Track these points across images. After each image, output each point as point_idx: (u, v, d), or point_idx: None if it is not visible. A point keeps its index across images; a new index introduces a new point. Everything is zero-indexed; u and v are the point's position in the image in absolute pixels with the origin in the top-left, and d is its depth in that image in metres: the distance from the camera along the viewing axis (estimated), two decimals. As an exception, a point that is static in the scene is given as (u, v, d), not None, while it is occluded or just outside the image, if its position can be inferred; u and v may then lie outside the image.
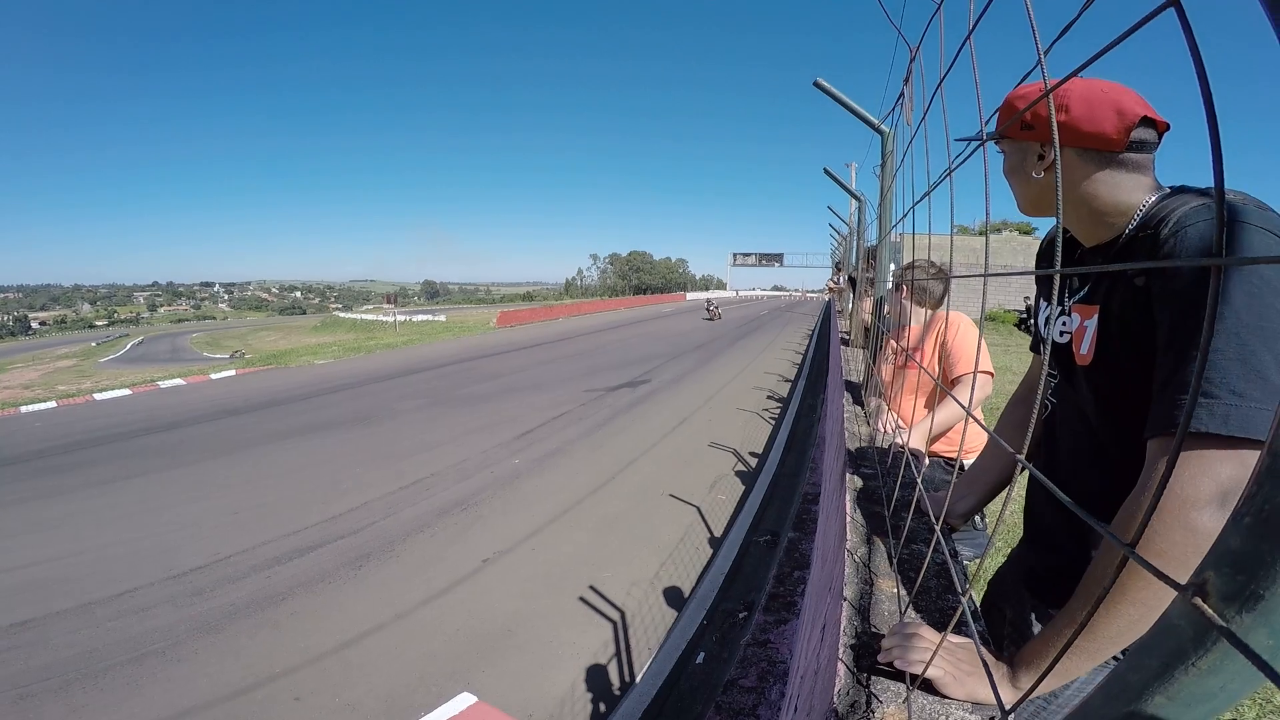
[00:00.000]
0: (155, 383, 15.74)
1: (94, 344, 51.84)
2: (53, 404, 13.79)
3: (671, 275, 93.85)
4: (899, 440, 1.79)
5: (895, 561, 0.90)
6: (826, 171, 6.54)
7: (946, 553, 0.75)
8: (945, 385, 2.31)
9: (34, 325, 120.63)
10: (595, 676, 3.20)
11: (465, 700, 3.04)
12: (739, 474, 6.17)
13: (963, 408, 0.71)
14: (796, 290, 73.23)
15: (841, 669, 0.76)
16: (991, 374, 2.20)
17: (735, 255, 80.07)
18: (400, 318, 34.69)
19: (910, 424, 1.99)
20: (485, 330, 26.78)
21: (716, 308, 31.33)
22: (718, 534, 4.81)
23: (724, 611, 3.71)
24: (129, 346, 44.90)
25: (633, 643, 3.47)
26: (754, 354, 15.60)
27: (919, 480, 0.91)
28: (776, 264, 79.24)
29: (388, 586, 4.19)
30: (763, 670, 3.07)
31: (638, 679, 3.16)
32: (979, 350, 0.85)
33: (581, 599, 3.93)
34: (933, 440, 2.06)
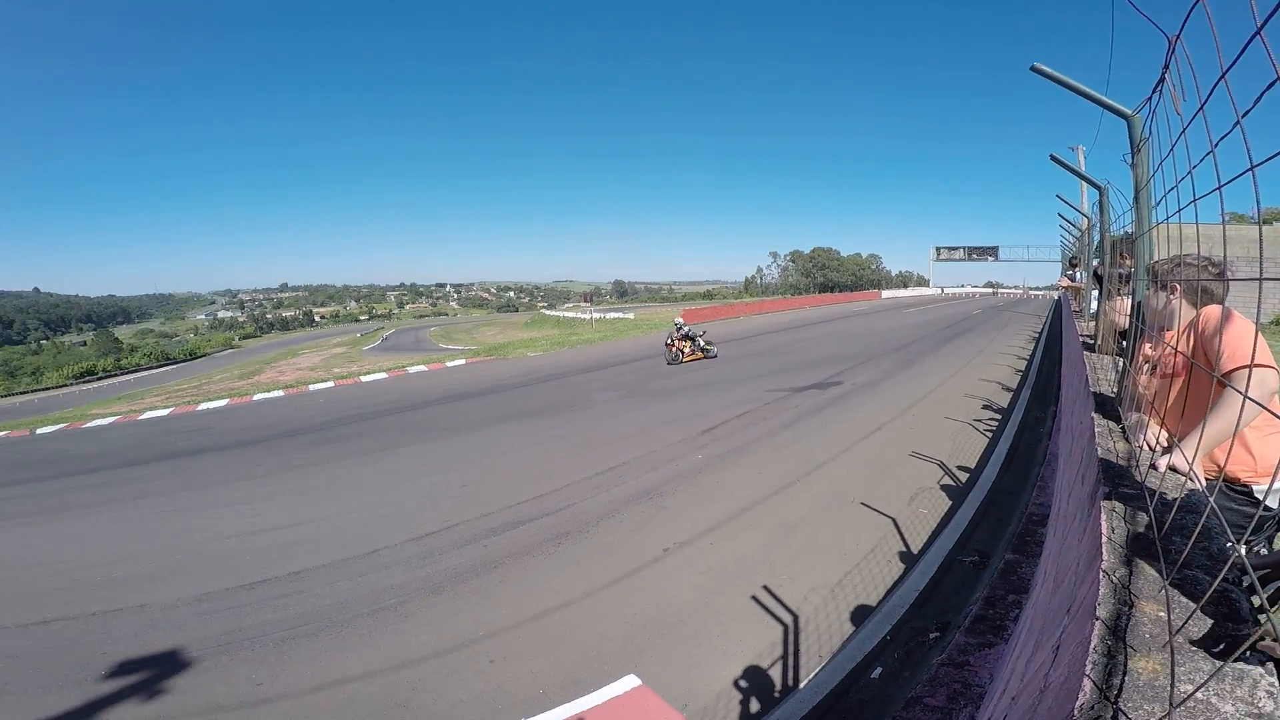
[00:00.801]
0: (405, 368, 18.81)
1: (359, 335, 63.48)
2: (331, 384, 17.18)
3: (862, 272, 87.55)
4: (1169, 460, 1.51)
5: (1166, 585, 0.79)
6: (1054, 158, 5.71)
7: (1254, 578, 0.64)
8: (1217, 385, 1.89)
9: (316, 319, 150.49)
10: (756, 676, 3.18)
11: (630, 682, 3.20)
12: (945, 488, 5.64)
13: (1259, 405, 0.60)
14: (1016, 287, 63.90)
15: (1087, 684, 0.72)
16: (1275, 368, 1.73)
17: (939, 249, 72.59)
18: (595, 315, 37.23)
19: (1180, 439, 1.66)
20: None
21: (686, 337, 15.72)
22: (915, 549, 4.45)
23: (912, 629, 3.46)
24: (383, 338, 53.90)
25: (802, 648, 3.38)
26: (965, 358, 14.03)
27: (1210, 501, 0.79)
28: (990, 258, 70.31)
29: (580, 565, 4.56)
30: (954, 691, 2.82)
31: (801, 685, 3.08)
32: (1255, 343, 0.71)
33: (754, 598, 3.92)
34: (1204, 454, 1.70)
